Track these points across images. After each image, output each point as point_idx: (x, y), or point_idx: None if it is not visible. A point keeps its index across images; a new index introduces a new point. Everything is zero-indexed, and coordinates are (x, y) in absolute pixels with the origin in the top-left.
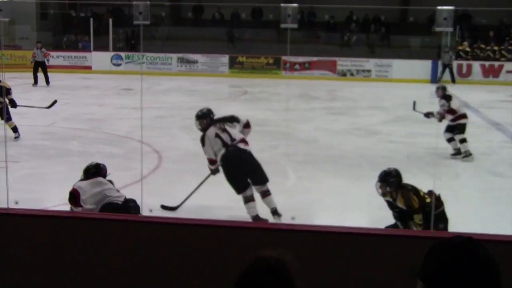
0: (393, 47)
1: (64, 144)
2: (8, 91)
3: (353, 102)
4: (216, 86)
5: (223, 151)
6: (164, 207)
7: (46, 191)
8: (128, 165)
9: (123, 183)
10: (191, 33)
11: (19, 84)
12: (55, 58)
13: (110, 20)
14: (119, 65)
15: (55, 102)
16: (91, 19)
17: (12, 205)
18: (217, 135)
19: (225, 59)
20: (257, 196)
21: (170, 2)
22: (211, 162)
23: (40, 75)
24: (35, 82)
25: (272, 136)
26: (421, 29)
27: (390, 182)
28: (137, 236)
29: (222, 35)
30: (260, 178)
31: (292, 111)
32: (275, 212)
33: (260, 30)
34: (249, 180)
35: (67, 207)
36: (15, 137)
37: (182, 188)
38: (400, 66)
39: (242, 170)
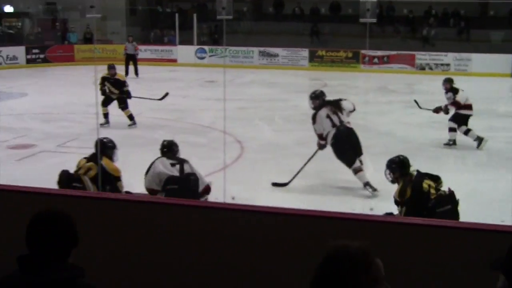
0: (472, 41)
1: (151, 133)
2: (124, 83)
3: (431, 96)
4: (296, 79)
5: (333, 131)
6: (275, 184)
7: (134, 177)
8: (212, 154)
9: (207, 171)
10: (272, 28)
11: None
12: (143, 51)
13: (195, 15)
14: (203, 58)
15: (167, 94)
16: (177, 15)
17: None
18: (327, 116)
19: (305, 52)
20: None
21: None
22: (321, 137)
23: (130, 67)
24: (126, 74)
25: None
26: (502, 23)
27: (392, 168)
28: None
29: (302, 30)
30: (360, 151)
31: (370, 104)
32: (366, 184)
33: (339, 25)
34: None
35: None
36: (129, 125)
37: (263, 177)
38: (480, 60)
39: (351, 146)
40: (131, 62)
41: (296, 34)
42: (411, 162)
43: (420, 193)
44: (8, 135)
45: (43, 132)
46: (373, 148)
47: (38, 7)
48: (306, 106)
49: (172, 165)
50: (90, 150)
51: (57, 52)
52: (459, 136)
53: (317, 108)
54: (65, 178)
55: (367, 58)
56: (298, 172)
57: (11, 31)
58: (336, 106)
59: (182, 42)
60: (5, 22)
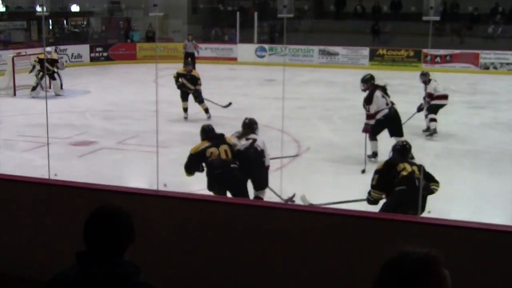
0: None
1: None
2: (198, 80)
3: (495, 96)
4: (356, 78)
5: (386, 109)
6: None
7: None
8: (269, 153)
9: None
10: (332, 26)
11: (170, 74)
12: (204, 50)
13: (256, 14)
14: (263, 56)
15: (230, 104)
16: (238, 13)
17: (162, 187)
18: (383, 96)
19: (365, 51)
20: None
21: None
22: (372, 117)
23: None
24: None
25: (410, 128)
26: None
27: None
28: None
29: (363, 28)
30: (402, 133)
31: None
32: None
33: (400, 23)
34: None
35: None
36: (208, 117)
37: (319, 176)
38: None
39: (398, 124)
40: (190, 60)
41: (356, 32)
42: (472, 163)
43: (390, 169)
44: (71, 132)
45: (104, 129)
46: (433, 149)
47: (103, 6)
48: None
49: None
50: (149, 147)
51: (120, 50)
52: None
53: (370, 90)
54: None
55: (429, 57)
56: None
57: (76, 30)
58: (384, 89)
59: (242, 41)
60: (71, 21)
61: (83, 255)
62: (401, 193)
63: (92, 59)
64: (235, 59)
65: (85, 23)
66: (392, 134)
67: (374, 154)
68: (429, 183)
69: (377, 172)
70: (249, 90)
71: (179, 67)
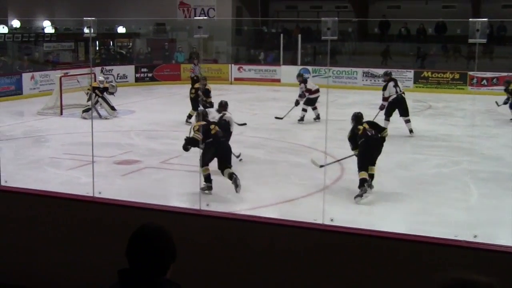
0: None
1: (252, 152)
2: (209, 92)
3: None
4: None
5: (395, 95)
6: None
7: (234, 195)
8: (311, 175)
9: (306, 191)
10: (376, 48)
11: (213, 95)
12: (247, 71)
13: (299, 36)
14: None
15: (245, 124)
16: (281, 35)
17: (204, 207)
18: (394, 86)
19: (410, 74)
20: None
21: (357, 18)
22: (386, 99)
23: None
24: None
25: (456, 151)
26: None
27: (352, 120)
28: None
29: (408, 50)
30: (407, 113)
31: (478, 127)
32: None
33: (445, 45)
34: None
35: (254, 211)
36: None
37: (362, 200)
38: None
39: (404, 107)
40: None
41: (401, 54)
42: None
43: (354, 132)
44: (115, 151)
45: (148, 149)
46: (480, 173)
47: (149, 27)
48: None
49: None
50: (193, 167)
51: (164, 71)
52: None
53: (387, 81)
54: None
55: (475, 80)
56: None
57: (122, 51)
58: (396, 82)
59: (286, 62)
60: (117, 42)
61: (125, 273)
62: (364, 143)
63: (137, 80)
64: (278, 80)
65: (130, 44)
66: (400, 114)
67: None
68: (380, 132)
69: (349, 139)
70: (292, 112)
71: (223, 87)
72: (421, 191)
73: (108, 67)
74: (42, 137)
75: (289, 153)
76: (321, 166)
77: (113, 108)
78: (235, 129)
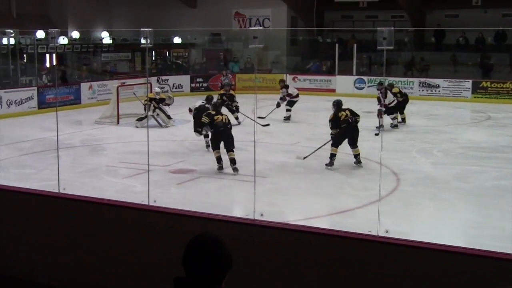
0: None
1: (307, 162)
2: (234, 96)
3: None
4: (457, 111)
5: (396, 101)
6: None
7: (288, 205)
8: (366, 186)
9: (361, 202)
10: (433, 58)
11: (268, 105)
12: (302, 81)
13: (355, 46)
14: (361, 88)
15: (267, 125)
16: (337, 45)
17: (258, 217)
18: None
19: (468, 84)
20: None
21: (413, 27)
22: (384, 106)
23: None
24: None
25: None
26: None
27: (333, 106)
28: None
29: (465, 60)
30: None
31: None
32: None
33: (505, 54)
34: None
35: (307, 222)
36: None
37: (418, 211)
38: None
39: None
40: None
41: (459, 64)
42: None
43: (336, 116)
44: (170, 160)
45: (203, 158)
46: None
47: (204, 38)
48: (467, 139)
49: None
50: (247, 177)
51: (219, 80)
52: None
53: (384, 90)
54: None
55: None
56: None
57: (178, 61)
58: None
59: (341, 72)
60: (173, 52)
61: (181, 281)
62: (345, 127)
63: (193, 89)
64: (333, 90)
65: (186, 54)
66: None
67: (381, 126)
68: (356, 118)
69: (330, 120)
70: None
71: (277, 97)
72: (479, 204)
73: (164, 77)
74: (99, 145)
75: (344, 163)
76: (304, 158)
77: (169, 117)
78: (288, 135)
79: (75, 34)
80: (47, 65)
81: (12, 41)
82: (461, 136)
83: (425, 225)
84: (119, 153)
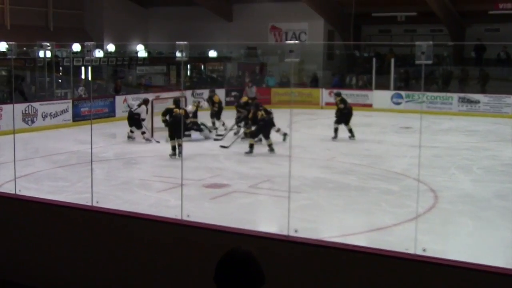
0: None
1: (342, 178)
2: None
3: None
4: (498, 127)
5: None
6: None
7: (323, 222)
8: (403, 203)
9: (397, 220)
10: (473, 73)
11: (304, 119)
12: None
13: (392, 60)
14: (399, 103)
15: (286, 134)
16: (374, 59)
17: (292, 233)
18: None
19: (509, 99)
20: None
21: (453, 41)
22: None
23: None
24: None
25: None
26: None
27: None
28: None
29: (506, 75)
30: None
31: None
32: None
33: None
34: None
35: (343, 239)
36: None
37: (456, 230)
38: None
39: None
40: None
41: (500, 79)
42: None
43: (255, 115)
44: (204, 174)
45: (237, 173)
46: None
47: (240, 51)
48: (508, 156)
49: None
50: (281, 192)
51: (244, 92)
52: None
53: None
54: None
55: None
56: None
57: (213, 75)
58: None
59: (378, 87)
60: (208, 66)
61: None
62: (261, 125)
63: (228, 103)
64: (370, 105)
65: (221, 68)
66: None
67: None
68: (270, 115)
69: (250, 118)
70: (384, 137)
71: (314, 112)
72: None
73: (199, 91)
74: (133, 159)
75: (380, 179)
76: (228, 147)
77: (211, 129)
78: (325, 150)
79: (111, 47)
80: (83, 77)
81: (48, 54)
82: (503, 153)
83: (463, 244)
84: (153, 167)
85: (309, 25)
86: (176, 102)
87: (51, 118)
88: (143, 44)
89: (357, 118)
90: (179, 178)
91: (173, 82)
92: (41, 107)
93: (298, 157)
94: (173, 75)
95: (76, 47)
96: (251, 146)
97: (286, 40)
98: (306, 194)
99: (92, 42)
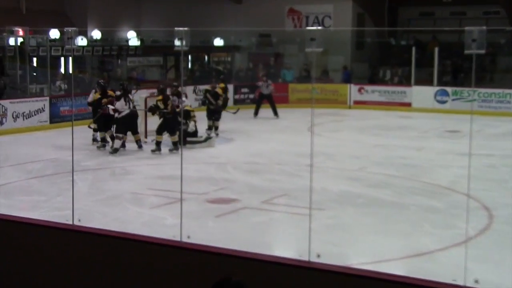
0: None
1: (374, 192)
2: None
3: None
4: None
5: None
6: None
7: (351, 245)
8: (450, 223)
9: (443, 243)
10: None
11: (328, 121)
12: (370, 93)
13: (436, 50)
14: (444, 102)
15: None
16: (413, 48)
17: (314, 258)
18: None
19: None
20: None
21: None
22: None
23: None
24: (256, 114)
25: None
26: None
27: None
28: None
29: None
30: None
31: None
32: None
33: None
34: None
35: (375, 266)
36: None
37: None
38: None
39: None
40: (264, 103)
41: None
42: None
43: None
44: (208, 187)
45: (248, 185)
46: None
47: (251, 39)
48: None
49: None
50: (301, 209)
51: (258, 90)
52: None
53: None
54: None
55: None
56: None
57: (219, 68)
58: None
59: (418, 82)
60: (213, 56)
61: None
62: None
63: (236, 102)
64: (408, 104)
65: (229, 59)
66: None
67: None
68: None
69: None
70: (425, 143)
71: (340, 112)
72: None
73: (202, 87)
74: (123, 168)
75: (422, 194)
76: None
77: (206, 139)
78: (352, 158)
79: (96, 34)
80: (62, 70)
81: (20, 41)
82: None
83: None
84: (147, 178)
85: (335, 7)
86: (162, 91)
87: (24, 119)
88: (135, 30)
89: (393, 119)
90: (178, 191)
91: (171, 77)
92: (12, 106)
93: (321, 166)
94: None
95: (55, 33)
96: (158, 143)
97: (307, 25)
98: (330, 211)
99: (74, 28)
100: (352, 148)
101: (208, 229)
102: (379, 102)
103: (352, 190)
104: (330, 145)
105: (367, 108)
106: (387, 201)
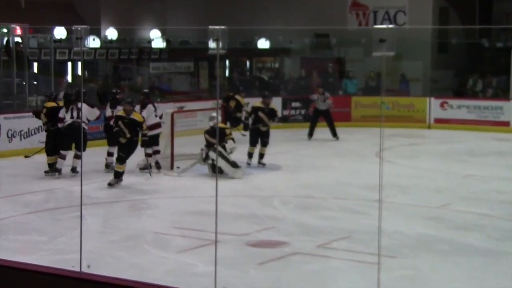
0: None
1: (462, 236)
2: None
3: None
4: None
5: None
6: None
7: None
8: None
9: None
10: None
11: (402, 145)
12: (455, 108)
13: None
14: None
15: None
16: None
17: None
18: None
19: None
20: None
21: None
22: None
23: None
24: (310, 135)
25: None
26: None
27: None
28: None
29: None
30: None
31: None
32: None
33: None
34: None
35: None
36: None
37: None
38: None
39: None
40: (320, 121)
41: None
42: None
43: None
44: (250, 227)
45: (299, 225)
46: None
47: (303, 41)
48: None
49: None
50: (367, 256)
51: (312, 105)
52: None
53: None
54: None
55: None
56: None
57: (263, 76)
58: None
59: None
60: (257, 61)
61: None
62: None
63: (285, 119)
64: (506, 123)
65: (276, 65)
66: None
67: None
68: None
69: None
70: None
71: (415, 133)
72: None
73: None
74: (143, 201)
75: None
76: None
77: (234, 165)
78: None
79: (111, 34)
80: (69, 78)
81: (18, 41)
82: None
83: None
84: (173, 214)
85: (410, 1)
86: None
87: (21, 139)
88: (159, 29)
89: (486, 143)
90: (212, 231)
91: (203, 86)
92: (6, 123)
93: (393, 202)
94: (203, 75)
95: (60, 32)
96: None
97: (375, 23)
98: (405, 259)
99: (84, 26)
100: (433, 179)
101: (249, 280)
102: (467, 120)
103: (433, 233)
104: (404, 175)
105: (452, 128)
106: (479, 248)
